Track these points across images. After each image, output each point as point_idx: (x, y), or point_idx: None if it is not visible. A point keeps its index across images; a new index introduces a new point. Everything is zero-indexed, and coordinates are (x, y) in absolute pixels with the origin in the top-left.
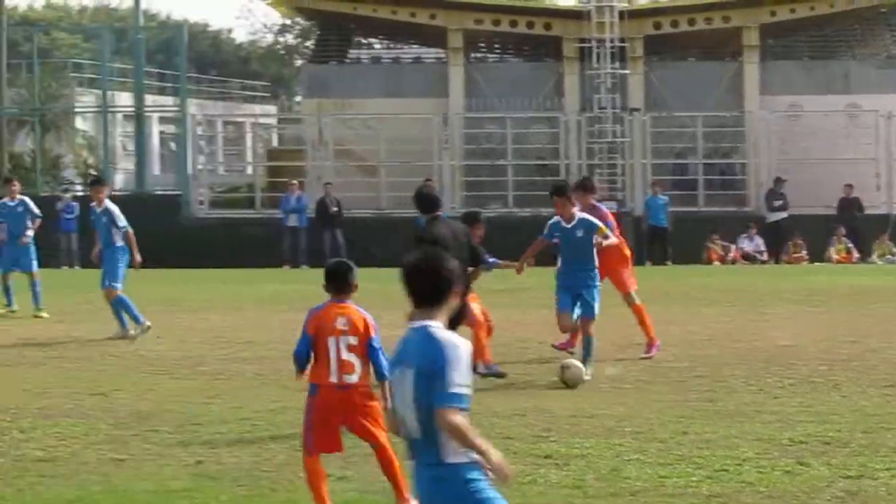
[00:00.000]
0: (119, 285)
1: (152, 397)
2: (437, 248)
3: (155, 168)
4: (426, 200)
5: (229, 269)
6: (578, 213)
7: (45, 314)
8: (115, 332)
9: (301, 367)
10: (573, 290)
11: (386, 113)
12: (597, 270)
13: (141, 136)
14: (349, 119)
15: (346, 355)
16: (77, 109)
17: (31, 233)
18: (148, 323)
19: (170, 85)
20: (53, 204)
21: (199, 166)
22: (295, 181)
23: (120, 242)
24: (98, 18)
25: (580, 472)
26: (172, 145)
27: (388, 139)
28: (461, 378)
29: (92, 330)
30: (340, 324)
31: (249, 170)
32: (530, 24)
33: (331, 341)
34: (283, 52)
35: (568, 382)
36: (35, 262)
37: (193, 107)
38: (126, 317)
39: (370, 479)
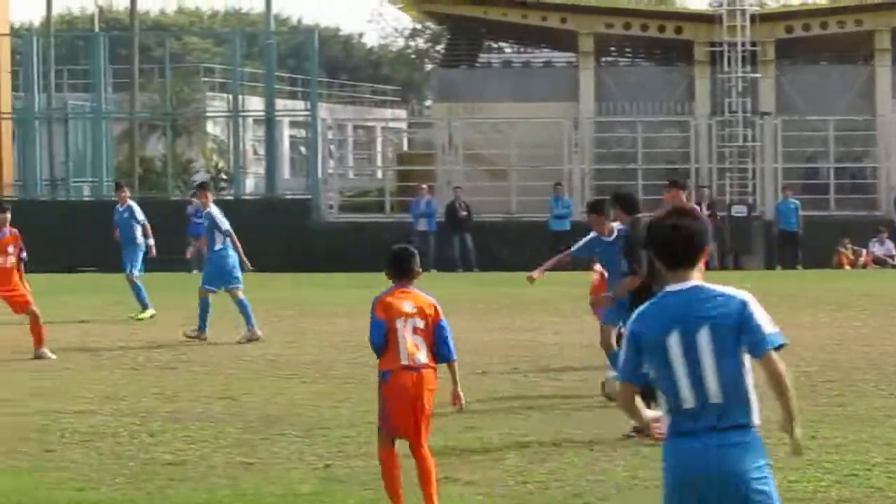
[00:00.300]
0: (210, 287)
1: (281, 401)
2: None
3: (285, 172)
4: (630, 201)
5: (358, 273)
6: (617, 226)
7: (140, 315)
8: (243, 336)
9: (379, 354)
10: (619, 302)
11: (516, 117)
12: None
13: (271, 141)
14: (479, 123)
15: (412, 337)
16: (208, 114)
17: (146, 240)
18: (207, 335)
19: (300, 89)
20: (184, 208)
21: (329, 170)
22: (424, 185)
23: (219, 245)
24: (229, 23)
25: None
26: (302, 149)
27: (518, 143)
28: (768, 316)
29: (220, 334)
30: (408, 307)
31: (379, 174)
32: (661, 28)
33: (399, 323)
34: (413, 56)
35: (611, 397)
36: (129, 266)
37: (324, 111)
38: (250, 317)
39: (496, 483)
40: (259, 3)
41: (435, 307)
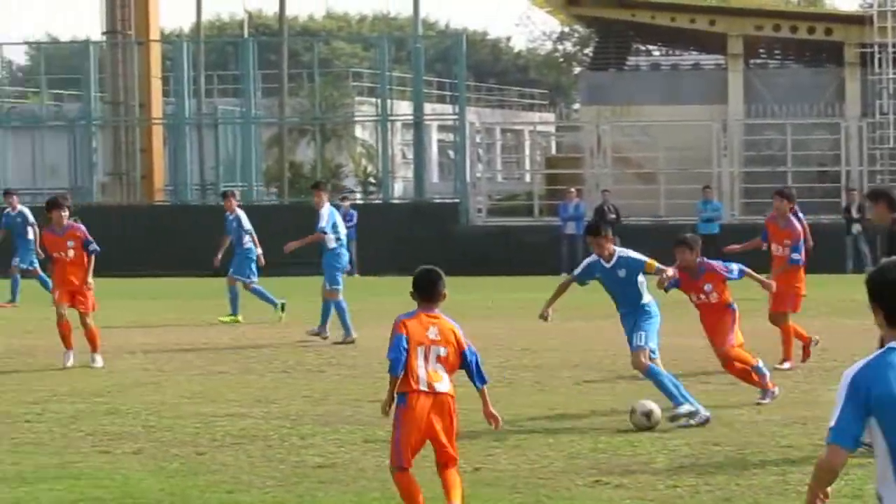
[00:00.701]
0: (337, 287)
1: None
2: None
3: (433, 176)
4: (894, 198)
5: (507, 276)
6: (618, 251)
7: (224, 318)
8: (339, 336)
9: (396, 373)
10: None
11: (664, 119)
12: (650, 305)
13: (420, 145)
14: (627, 126)
15: (433, 365)
16: (356, 118)
17: (255, 249)
18: (354, 336)
19: (448, 93)
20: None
21: (478, 174)
22: (573, 189)
23: (332, 245)
24: (377, 28)
25: (860, 482)
26: (451, 153)
27: (667, 146)
28: None
29: (370, 336)
30: (432, 333)
31: (527, 177)
32: (811, 30)
33: (420, 350)
34: (561, 59)
35: (638, 425)
36: (232, 269)
37: (472, 115)
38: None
39: (647, 487)
40: (407, 7)
41: (456, 333)
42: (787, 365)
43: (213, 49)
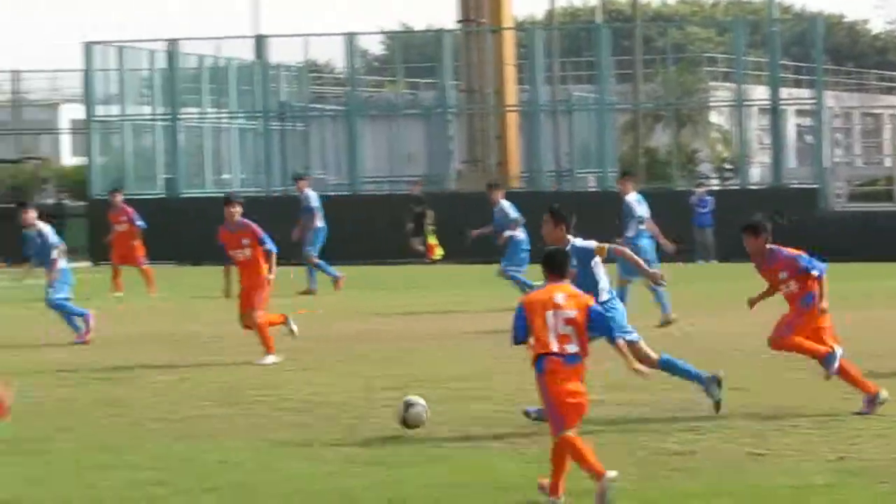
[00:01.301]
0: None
1: (791, 391)
2: None
3: (791, 161)
4: None
5: (865, 263)
6: (572, 240)
7: None
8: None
9: (518, 341)
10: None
11: None
12: (605, 297)
13: (776, 130)
14: None
15: (563, 328)
16: (711, 103)
17: (516, 235)
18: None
19: (805, 77)
20: (687, 198)
21: (836, 159)
22: None
23: (631, 232)
24: (731, 12)
25: None
26: (808, 138)
27: None
28: None
29: (728, 322)
30: (559, 298)
31: (887, 162)
32: None
33: (549, 315)
34: None
35: (409, 422)
36: (504, 262)
37: (830, 99)
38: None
39: None
40: None
41: (584, 295)
42: None
43: (567, 36)
